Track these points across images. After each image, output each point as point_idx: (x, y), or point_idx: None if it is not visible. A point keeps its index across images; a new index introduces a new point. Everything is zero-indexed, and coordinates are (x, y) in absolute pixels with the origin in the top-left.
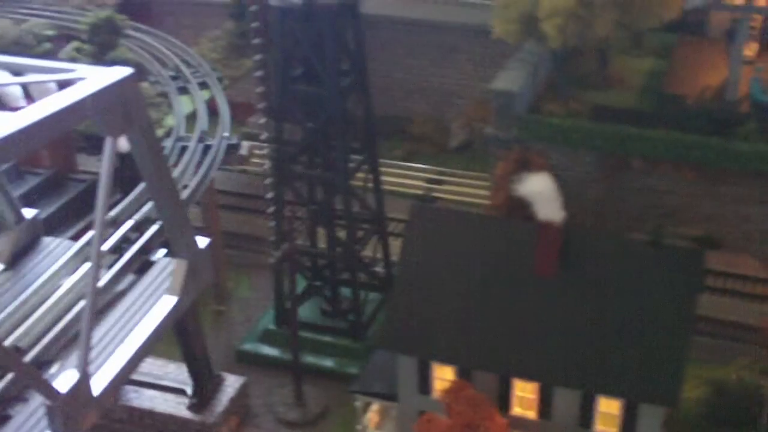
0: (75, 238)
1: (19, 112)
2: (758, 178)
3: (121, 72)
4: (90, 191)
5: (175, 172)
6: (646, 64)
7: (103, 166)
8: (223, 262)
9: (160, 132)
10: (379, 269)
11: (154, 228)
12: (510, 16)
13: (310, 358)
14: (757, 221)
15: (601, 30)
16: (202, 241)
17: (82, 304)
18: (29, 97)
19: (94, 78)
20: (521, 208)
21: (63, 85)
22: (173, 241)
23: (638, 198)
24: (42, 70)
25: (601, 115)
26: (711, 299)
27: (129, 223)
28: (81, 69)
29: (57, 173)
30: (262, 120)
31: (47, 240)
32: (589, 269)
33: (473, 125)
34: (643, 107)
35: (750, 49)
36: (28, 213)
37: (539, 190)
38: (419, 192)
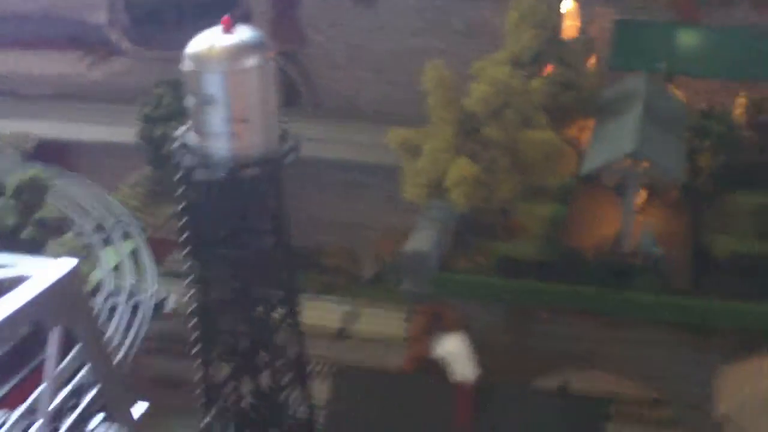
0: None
1: None
2: (654, 323)
3: (67, 265)
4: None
5: (107, 335)
6: (547, 211)
7: (48, 358)
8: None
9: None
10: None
11: (91, 393)
12: (419, 182)
13: None
14: (656, 362)
15: (505, 193)
16: (141, 407)
17: None
18: None
19: (40, 275)
20: (437, 363)
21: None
22: (111, 410)
23: (546, 345)
24: None
25: (506, 267)
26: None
27: (66, 390)
28: (23, 263)
29: None
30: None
31: None
32: (503, 421)
33: (384, 257)
34: (545, 258)
35: (639, 198)
36: None
37: (454, 351)
38: (335, 328)
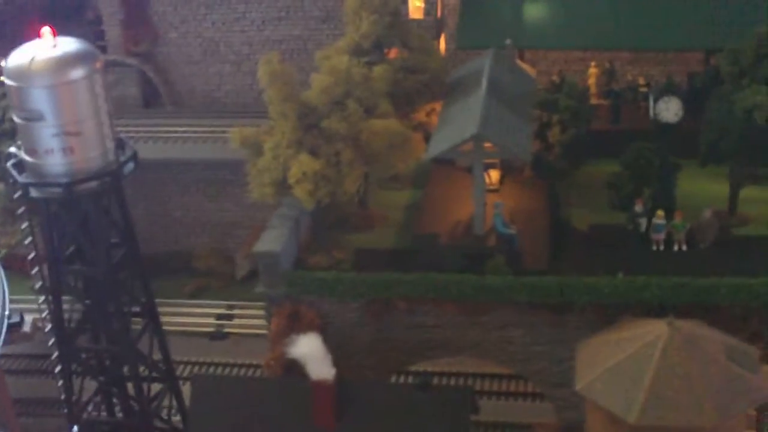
0: None
1: None
2: (512, 304)
3: None
4: None
5: None
6: (404, 198)
7: None
8: None
9: None
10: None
11: None
12: (264, 181)
13: None
14: (517, 343)
15: (351, 186)
16: None
17: None
18: None
19: None
20: (297, 364)
21: None
22: None
23: (407, 335)
24: None
25: (362, 260)
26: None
27: None
28: None
29: None
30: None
31: None
32: (365, 417)
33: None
34: (401, 246)
35: (491, 178)
36: None
37: (308, 352)
38: (210, 329)
